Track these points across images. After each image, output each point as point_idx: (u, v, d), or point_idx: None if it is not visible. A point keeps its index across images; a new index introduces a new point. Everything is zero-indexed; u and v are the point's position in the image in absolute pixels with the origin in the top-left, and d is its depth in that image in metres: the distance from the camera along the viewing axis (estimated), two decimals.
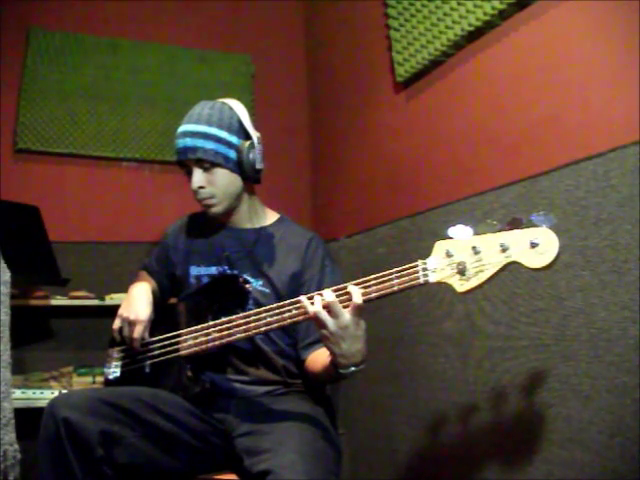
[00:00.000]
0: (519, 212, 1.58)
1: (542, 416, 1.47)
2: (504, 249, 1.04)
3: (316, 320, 1.15)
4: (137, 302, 1.44)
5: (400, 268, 1.13)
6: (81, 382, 2.23)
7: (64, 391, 1.51)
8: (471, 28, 1.76)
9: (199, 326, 1.35)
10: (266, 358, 1.45)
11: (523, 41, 1.63)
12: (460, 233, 1.09)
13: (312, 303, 1.16)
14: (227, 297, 1.42)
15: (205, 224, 1.59)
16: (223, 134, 1.47)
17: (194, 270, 1.54)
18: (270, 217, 1.59)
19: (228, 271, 1.50)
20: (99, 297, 2.37)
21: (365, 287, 1.14)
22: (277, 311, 1.24)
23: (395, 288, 1.13)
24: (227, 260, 1.51)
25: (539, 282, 1.50)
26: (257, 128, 1.53)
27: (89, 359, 2.31)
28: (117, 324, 1.43)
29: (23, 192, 2.39)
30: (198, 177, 1.46)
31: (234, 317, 1.30)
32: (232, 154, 1.47)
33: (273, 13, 3.11)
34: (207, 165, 1.46)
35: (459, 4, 1.80)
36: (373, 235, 2.28)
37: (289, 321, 1.22)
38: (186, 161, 1.47)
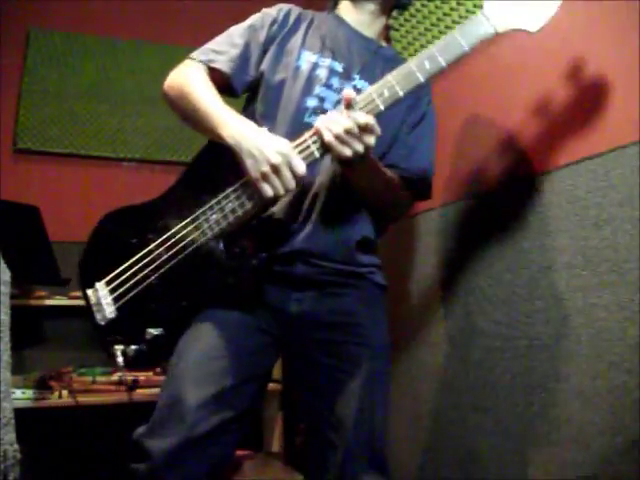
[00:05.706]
0: (519, 212, 1.58)
1: (542, 416, 1.46)
2: None
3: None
4: (262, 136, 1.16)
5: (460, 25, 1.09)
6: (81, 382, 2.24)
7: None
8: None
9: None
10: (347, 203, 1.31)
11: (523, 41, 1.63)
12: None
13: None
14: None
15: (326, 17, 1.46)
16: None
17: (308, 55, 1.36)
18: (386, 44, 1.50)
19: (340, 69, 1.34)
20: None
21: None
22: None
23: (466, 48, 1.09)
24: (345, 59, 1.37)
25: (539, 282, 1.50)
26: None
27: (89, 359, 2.32)
28: (268, 190, 1.10)
29: (23, 192, 2.39)
30: None
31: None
32: None
33: None
34: None
35: (459, 4, 1.79)
36: None
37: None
38: None
